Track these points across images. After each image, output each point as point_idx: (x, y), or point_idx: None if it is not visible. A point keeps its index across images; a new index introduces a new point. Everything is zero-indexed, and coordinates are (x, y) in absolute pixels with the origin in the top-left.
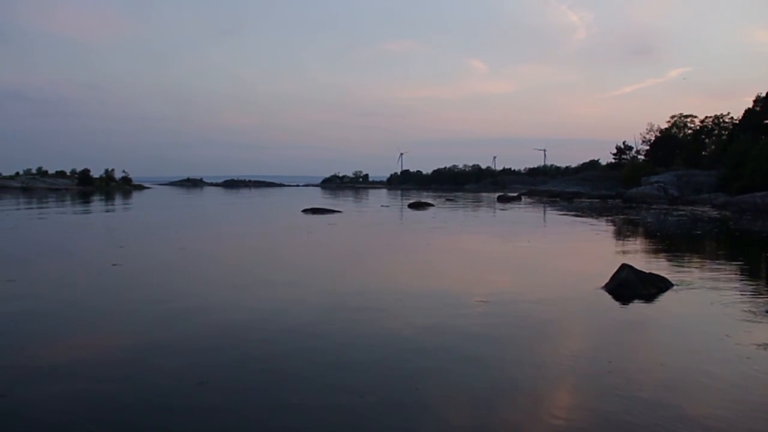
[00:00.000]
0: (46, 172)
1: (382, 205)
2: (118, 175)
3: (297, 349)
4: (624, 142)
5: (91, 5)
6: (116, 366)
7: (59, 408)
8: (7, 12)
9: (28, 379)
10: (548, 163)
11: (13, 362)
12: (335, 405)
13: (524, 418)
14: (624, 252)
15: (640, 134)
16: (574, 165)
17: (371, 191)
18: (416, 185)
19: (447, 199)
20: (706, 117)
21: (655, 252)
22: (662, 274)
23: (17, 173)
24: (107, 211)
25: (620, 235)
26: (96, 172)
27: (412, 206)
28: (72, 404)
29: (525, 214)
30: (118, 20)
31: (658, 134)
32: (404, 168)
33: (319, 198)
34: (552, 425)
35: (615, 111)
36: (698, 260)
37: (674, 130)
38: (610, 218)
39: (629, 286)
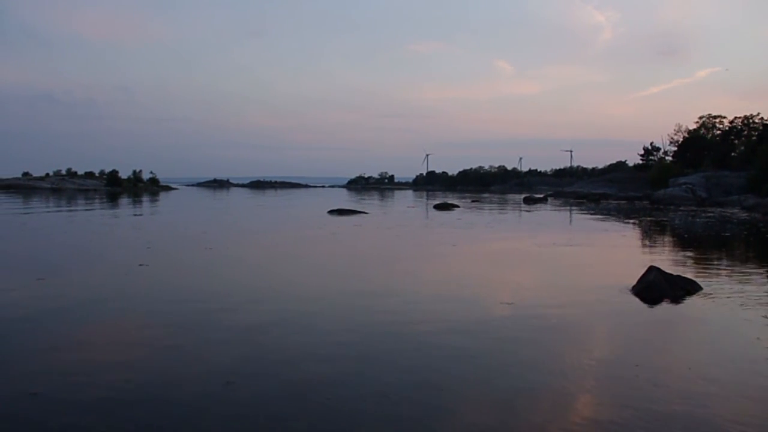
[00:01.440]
0: (75, 173)
1: (407, 207)
2: (145, 176)
3: (321, 350)
4: (651, 143)
5: (119, 8)
6: (142, 365)
7: (88, 407)
8: (37, 15)
9: (57, 377)
10: (575, 164)
11: (41, 360)
12: (360, 405)
13: (549, 421)
14: (651, 254)
15: (668, 135)
16: (601, 166)
17: (397, 192)
18: (442, 186)
19: (473, 201)
20: (736, 117)
21: (684, 254)
22: (690, 276)
23: (47, 174)
24: (135, 212)
25: (648, 236)
26: (124, 173)
27: (437, 207)
28: (99, 404)
29: (551, 216)
30: (146, 23)
31: (686, 135)
32: (430, 169)
33: (344, 199)
34: (577, 428)
35: (642, 112)
36: (727, 263)
37: (702, 130)
38: (637, 220)
39: (657, 288)
